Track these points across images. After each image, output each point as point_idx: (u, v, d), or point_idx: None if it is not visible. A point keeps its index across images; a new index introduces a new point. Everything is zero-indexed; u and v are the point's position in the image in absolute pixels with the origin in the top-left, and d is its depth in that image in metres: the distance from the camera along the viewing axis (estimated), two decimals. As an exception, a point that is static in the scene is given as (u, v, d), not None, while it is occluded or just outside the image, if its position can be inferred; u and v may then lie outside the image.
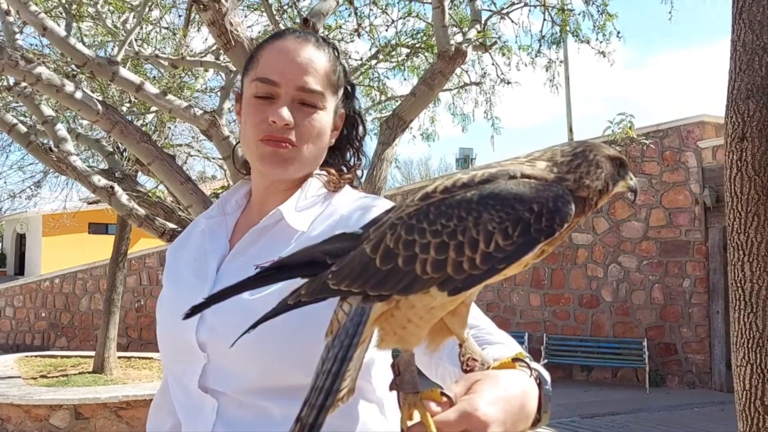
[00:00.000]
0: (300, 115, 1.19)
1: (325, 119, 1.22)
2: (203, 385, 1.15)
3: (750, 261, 3.10)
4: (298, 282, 0.87)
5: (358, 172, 1.33)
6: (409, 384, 0.85)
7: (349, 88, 1.31)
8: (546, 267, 12.07)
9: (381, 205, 1.19)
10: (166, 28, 7.55)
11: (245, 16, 6.56)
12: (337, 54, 1.27)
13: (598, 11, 6.16)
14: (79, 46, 3.61)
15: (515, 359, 0.92)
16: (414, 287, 0.79)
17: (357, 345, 0.82)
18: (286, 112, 1.17)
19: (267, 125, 1.18)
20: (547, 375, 0.94)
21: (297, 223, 1.20)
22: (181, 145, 9.73)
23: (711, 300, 10.82)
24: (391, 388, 0.87)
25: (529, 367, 0.91)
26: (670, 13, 6.73)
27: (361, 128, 1.34)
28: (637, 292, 11.42)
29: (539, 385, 0.91)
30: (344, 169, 1.31)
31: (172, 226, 4.26)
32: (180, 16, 7.43)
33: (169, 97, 3.82)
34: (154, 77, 7.42)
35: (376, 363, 1.18)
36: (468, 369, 0.90)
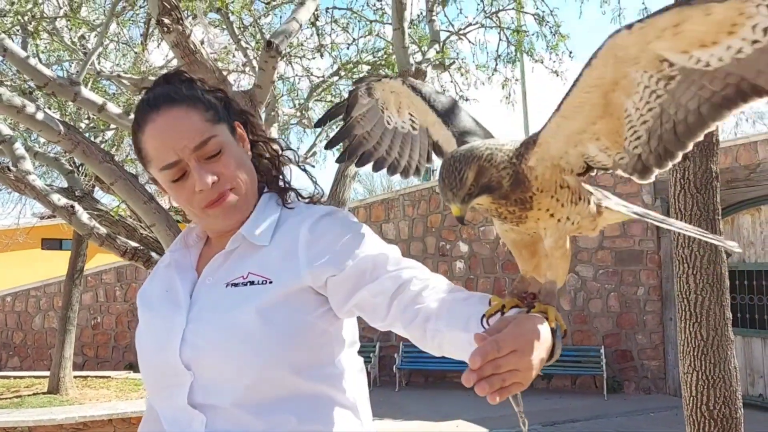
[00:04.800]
0: (214, 167, 1.25)
1: (231, 150, 1.28)
2: (192, 401, 1.20)
3: (694, 273, 3.27)
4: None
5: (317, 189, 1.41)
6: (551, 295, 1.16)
7: (234, 110, 1.34)
8: (507, 277, 12.27)
9: (340, 215, 1.28)
10: (125, 44, 7.49)
11: (207, 39, 6.56)
12: (204, 92, 1.30)
13: (551, 32, 6.39)
14: (40, 66, 3.59)
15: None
16: None
17: None
18: (205, 177, 1.23)
19: (200, 196, 1.25)
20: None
21: (259, 239, 1.27)
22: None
23: (664, 307, 11.15)
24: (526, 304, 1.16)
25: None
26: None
27: (273, 147, 1.40)
28: (594, 300, 11.70)
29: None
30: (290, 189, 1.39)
31: (134, 244, 4.24)
32: (138, 26, 7.39)
33: (132, 116, 3.81)
34: (114, 94, 7.35)
35: (346, 372, 1.26)
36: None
